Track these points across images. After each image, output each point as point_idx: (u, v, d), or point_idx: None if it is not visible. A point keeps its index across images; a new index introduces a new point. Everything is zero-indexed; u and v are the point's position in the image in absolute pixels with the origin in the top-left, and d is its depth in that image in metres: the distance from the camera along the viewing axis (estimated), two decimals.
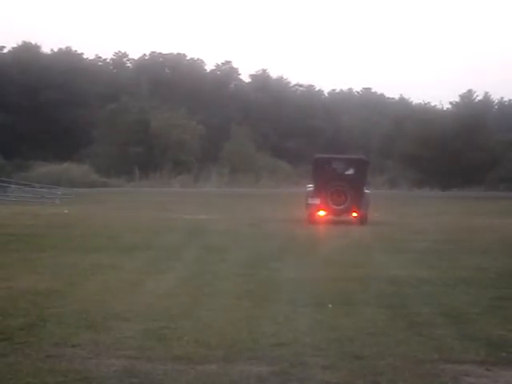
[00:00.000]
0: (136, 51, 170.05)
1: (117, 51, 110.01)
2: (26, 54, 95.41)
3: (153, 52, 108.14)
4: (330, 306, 10.44)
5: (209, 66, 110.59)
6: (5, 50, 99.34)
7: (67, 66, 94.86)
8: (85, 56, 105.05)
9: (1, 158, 70.45)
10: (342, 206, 28.43)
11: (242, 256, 16.22)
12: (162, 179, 67.68)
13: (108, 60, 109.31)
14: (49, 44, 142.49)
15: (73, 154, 76.48)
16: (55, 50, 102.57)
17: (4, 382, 6.86)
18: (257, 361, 7.71)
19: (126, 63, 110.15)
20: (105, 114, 79.88)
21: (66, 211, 31.32)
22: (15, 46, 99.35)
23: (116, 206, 35.54)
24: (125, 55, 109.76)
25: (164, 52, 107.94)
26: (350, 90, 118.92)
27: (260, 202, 41.31)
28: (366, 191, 29.05)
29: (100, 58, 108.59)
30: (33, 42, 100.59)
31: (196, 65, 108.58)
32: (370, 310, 10.17)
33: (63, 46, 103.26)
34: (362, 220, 27.99)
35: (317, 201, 28.30)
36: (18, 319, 9.33)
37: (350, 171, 29.05)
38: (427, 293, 11.65)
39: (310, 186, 29.35)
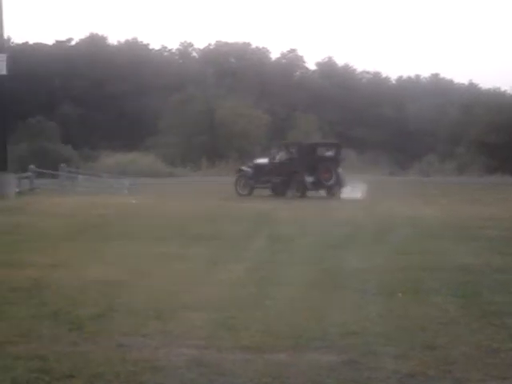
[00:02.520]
0: (202, 41, 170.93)
1: (182, 41, 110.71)
2: (93, 46, 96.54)
3: (218, 41, 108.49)
4: (400, 294, 10.31)
5: (274, 55, 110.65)
6: (73, 42, 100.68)
7: (133, 57, 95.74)
8: (151, 47, 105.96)
9: (70, 149, 71.45)
10: (330, 182, 35.71)
11: (308, 244, 16.14)
12: (228, 168, 67.91)
13: (174, 50, 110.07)
14: (115, 35, 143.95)
15: (139, 144, 77.19)
16: (122, 41, 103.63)
17: (76, 371, 6.91)
18: (326, 350, 7.64)
19: (191, 53, 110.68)
20: (171, 104, 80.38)
21: (133, 201, 31.57)
22: (83, 37, 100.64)
23: (182, 196, 35.72)
24: (190, 45, 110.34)
25: (229, 41, 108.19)
26: (418, 76, 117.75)
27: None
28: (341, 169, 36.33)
29: (166, 48, 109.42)
30: (100, 34, 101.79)
31: (261, 53, 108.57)
32: (442, 299, 10.01)
33: (129, 37, 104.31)
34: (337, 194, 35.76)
35: (310, 179, 35.27)
36: (88, 309, 9.41)
37: (330, 153, 37.01)
38: (501, 281, 11.43)
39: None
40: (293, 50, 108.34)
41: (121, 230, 19.29)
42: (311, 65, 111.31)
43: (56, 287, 10.90)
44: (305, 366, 7.14)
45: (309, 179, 35.15)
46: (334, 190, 35.91)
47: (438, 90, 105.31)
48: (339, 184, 35.94)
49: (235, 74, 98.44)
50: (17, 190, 35.52)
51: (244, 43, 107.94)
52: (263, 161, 39.04)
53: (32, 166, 40.05)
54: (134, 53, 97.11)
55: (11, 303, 9.76)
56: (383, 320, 8.89)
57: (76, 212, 25.12)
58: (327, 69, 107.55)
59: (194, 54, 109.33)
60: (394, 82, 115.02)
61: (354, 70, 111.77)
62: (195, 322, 8.79)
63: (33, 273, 12.08)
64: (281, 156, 37.67)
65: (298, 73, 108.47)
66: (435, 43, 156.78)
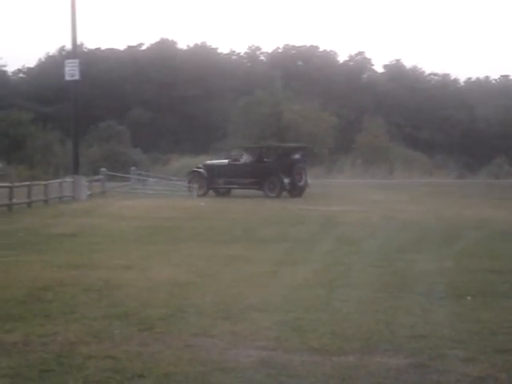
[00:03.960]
0: (269, 44, 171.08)
1: (250, 45, 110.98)
2: (163, 51, 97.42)
3: (286, 45, 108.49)
4: (469, 297, 10.21)
5: (342, 58, 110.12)
6: (143, 47, 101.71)
7: (202, 61, 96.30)
8: (219, 51, 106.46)
9: (139, 153, 72.19)
10: (301, 183, 38.64)
11: (376, 247, 16.08)
12: None
13: (242, 54, 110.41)
14: (185, 40, 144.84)
15: (207, 147, 77.61)
16: (191, 45, 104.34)
17: (146, 371, 7.00)
18: (394, 353, 7.61)
19: (259, 57, 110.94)
20: (238, 107, 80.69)
21: (202, 204, 31.79)
22: (153, 42, 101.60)
23: (248, 199, 35.80)
24: (258, 49, 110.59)
25: (297, 44, 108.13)
26: (487, 78, 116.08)
27: (394, 193, 40.82)
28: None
29: (234, 52, 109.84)
30: (170, 39, 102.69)
31: (329, 56, 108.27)
32: None
33: (198, 42, 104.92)
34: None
35: (287, 180, 37.81)
36: (158, 310, 9.52)
37: (298, 156, 39.56)
38: None
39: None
40: (360, 53, 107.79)
41: (189, 233, 19.46)
42: (379, 67, 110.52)
43: (126, 288, 11.06)
44: (373, 369, 7.12)
45: (286, 180, 37.81)
46: (302, 190, 38.84)
47: (507, 92, 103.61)
48: (306, 185, 39.07)
49: (303, 77, 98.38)
50: (88, 192, 36.06)
51: (311, 46, 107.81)
52: (217, 162, 41.21)
53: (103, 170, 40.67)
54: (203, 57, 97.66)
55: (83, 304, 9.93)
56: (452, 323, 8.82)
57: (146, 214, 25.42)
58: (395, 71, 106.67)
59: (262, 57, 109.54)
60: (462, 83, 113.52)
61: (422, 72, 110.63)
62: (263, 323, 8.83)
63: (104, 274, 12.28)
64: (246, 158, 39.68)
65: (365, 75, 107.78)
66: (505, 44, 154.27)
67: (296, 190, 38.30)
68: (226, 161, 40.88)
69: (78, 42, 43.57)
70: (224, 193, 39.42)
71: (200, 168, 40.69)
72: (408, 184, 52.17)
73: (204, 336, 8.28)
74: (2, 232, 19.46)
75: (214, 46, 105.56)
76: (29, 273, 12.38)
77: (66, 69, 36.09)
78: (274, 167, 38.28)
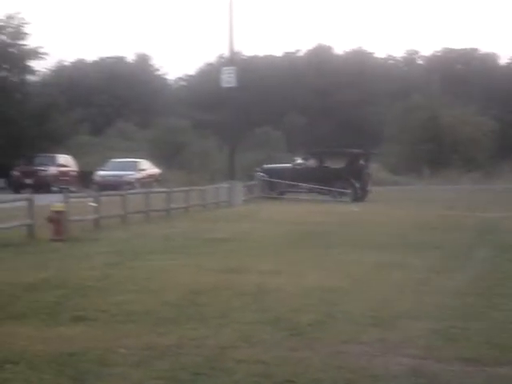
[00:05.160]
0: (427, 48, 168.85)
1: (408, 49, 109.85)
2: (319, 56, 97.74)
3: (445, 48, 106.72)
4: None
5: (503, 60, 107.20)
6: (300, 53, 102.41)
7: (358, 66, 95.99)
8: (376, 55, 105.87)
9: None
10: (368, 187, 40.69)
11: None
12: (452, 177, 66.46)
13: (399, 58, 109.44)
14: (341, 45, 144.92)
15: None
16: (347, 50, 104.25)
17: (295, 377, 7.01)
18: None
19: (416, 60, 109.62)
20: (395, 112, 79.92)
21: (355, 209, 31.66)
22: (310, 48, 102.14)
23: (404, 204, 35.38)
24: (415, 52, 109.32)
25: (456, 47, 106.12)
26: None
27: None
28: None
29: (391, 56, 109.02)
30: (326, 44, 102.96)
31: (489, 59, 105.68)
32: None
33: (355, 47, 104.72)
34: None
35: (358, 185, 39.39)
36: (308, 315, 9.54)
37: (363, 162, 41.57)
38: None
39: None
40: None
41: (342, 238, 19.41)
42: None
43: (277, 293, 11.13)
44: None
45: (357, 185, 39.34)
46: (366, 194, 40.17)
47: None
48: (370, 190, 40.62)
49: (461, 80, 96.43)
50: (244, 197, 36.56)
51: (471, 49, 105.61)
52: (278, 166, 41.98)
53: (259, 175, 41.20)
54: (359, 62, 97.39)
55: (236, 308, 10.06)
56: None
57: (298, 219, 25.53)
58: None
59: (420, 61, 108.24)
60: None
61: None
62: (414, 330, 8.70)
63: (256, 278, 12.40)
64: (311, 163, 41.11)
65: None
66: None
67: (364, 195, 39.63)
68: (289, 165, 41.92)
69: (236, 49, 44.41)
70: (277, 197, 39.57)
71: (260, 172, 41.65)
72: None
73: (353, 343, 8.23)
74: (160, 236, 19.98)
75: (370, 51, 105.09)
76: (184, 276, 12.65)
77: (223, 76, 36.80)
78: (345, 172, 39.59)
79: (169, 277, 12.64)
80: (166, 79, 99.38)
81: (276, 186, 40.12)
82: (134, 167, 44.14)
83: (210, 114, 77.79)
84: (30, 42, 55.58)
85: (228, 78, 36.47)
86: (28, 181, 43.44)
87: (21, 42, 55.25)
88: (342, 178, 39.37)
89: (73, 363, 7.30)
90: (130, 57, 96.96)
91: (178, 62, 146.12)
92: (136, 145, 62.28)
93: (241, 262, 14.51)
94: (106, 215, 23.32)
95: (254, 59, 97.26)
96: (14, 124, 52.36)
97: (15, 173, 45.24)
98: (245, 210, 31.33)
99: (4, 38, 55.08)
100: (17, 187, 42.78)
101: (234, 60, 38.86)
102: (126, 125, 73.16)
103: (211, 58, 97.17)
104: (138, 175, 43.42)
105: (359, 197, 39.25)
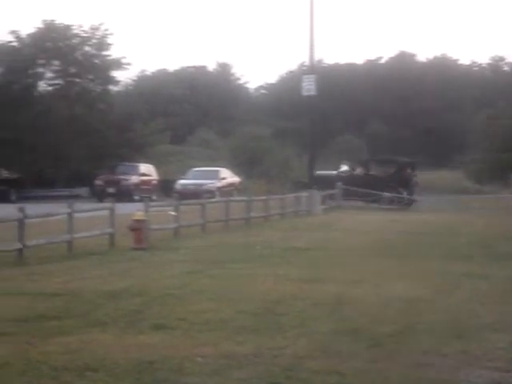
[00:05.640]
0: None
1: (493, 55, 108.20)
2: (402, 63, 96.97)
3: None
4: None
5: None
6: (382, 61, 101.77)
7: (441, 73, 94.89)
8: (460, 62, 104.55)
9: (377, 166, 72.20)
10: (415, 195, 41.41)
11: None
12: None
13: (484, 65, 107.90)
14: (424, 52, 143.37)
15: (445, 160, 76.29)
16: (430, 57, 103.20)
17: None
18: None
19: (502, 67, 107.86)
20: (480, 120, 78.75)
21: (431, 218, 31.31)
22: (392, 55, 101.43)
23: (486, 214, 34.75)
24: (502, 59, 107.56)
25: None
26: None
27: None
28: None
29: (475, 63, 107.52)
30: (408, 52, 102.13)
31: None
32: None
33: (438, 54, 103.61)
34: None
35: (405, 193, 40.18)
36: (388, 326, 9.40)
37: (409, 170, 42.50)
38: None
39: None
40: None
41: (422, 247, 19.16)
42: None
43: (357, 303, 11.01)
44: None
45: (404, 193, 40.12)
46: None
47: None
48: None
49: None
50: (324, 206, 36.41)
51: None
52: (325, 173, 41.71)
53: (339, 184, 41.00)
54: (442, 69, 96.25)
55: (314, 318, 9.98)
56: None
57: (378, 228, 25.31)
58: None
59: (506, 68, 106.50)
60: None
61: None
62: (497, 343, 8.50)
63: (335, 288, 12.30)
64: (358, 171, 41.80)
65: None
66: None
67: (410, 203, 40.08)
68: (334, 172, 42.32)
69: (318, 57, 44.44)
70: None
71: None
72: None
73: (435, 354, 8.07)
74: (239, 245, 20.03)
75: (454, 58, 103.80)
76: (262, 285, 12.63)
77: (304, 84, 36.78)
78: (393, 180, 40.27)
79: (247, 286, 12.63)
80: (247, 88, 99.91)
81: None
82: (214, 176, 44.41)
83: (290, 122, 77.86)
84: (113, 53, 56.57)
85: (308, 86, 36.43)
86: (111, 190, 44.06)
87: (104, 53, 56.24)
88: (389, 186, 39.59)
89: (151, 371, 7.33)
90: (212, 66, 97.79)
91: (259, 70, 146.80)
92: (217, 153, 62.66)
93: (320, 272, 14.43)
94: (185, 224, 23.47)
95: (335, 67, 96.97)
96: (97, 133, 53.28)
97: (98, 182, 45.97)
98: (324, 218, 31.19)
99: (88, 49, 56.13)
100: (100, 196, 43.42)
101: (314, 68, 38.83)
102: (206, 133, 73.70)
103: (292, 66, 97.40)
104: (219, 184, 43.67)
105: (407, 205, 39.67)
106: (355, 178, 40.50)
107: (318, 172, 42.66)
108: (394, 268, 15.07)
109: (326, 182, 39.72)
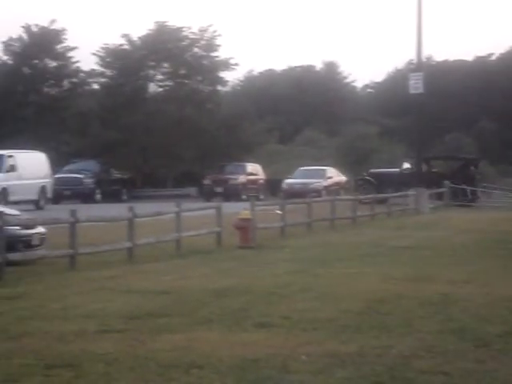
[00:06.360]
0: None
1: None
2: None
3: None
4: None
5: None
6: (493, 57, 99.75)
7: None
8: None
9: (486, 164, 70.88)
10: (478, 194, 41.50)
11: None
12: None
13: None
14: None
15: None
16: None
17: None
18: None
19: None
20: None
21: None
22: (503, 52, 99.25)
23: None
24: None
25: None
26: None
27: None
28: None
29: None
30: None
31: None
32: None
33: None
34: None
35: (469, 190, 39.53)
36: (496, 326, 9.25)
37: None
38: None
39: None
40: None
41: None
42: None
43: (463, 303, 10.85)
44: None
45: (468, 190, 39.64)
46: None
47: None
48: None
49: None
50: (431, 205, 35.99)
51: None
52: (386, 171, 41.75)
53: (447, 182, 40.50)
54: None
55: (419, 317, 9.88)
56: None
57: (486, 227, 24.81)
58: None
59: None
60: None
61: None
62: None
63: (441, 288, 12.16)
64: (423, 168, 40.20)
65: None
66: None
67: (474, 200, 39.87)
68: (397, 169, 41.49)
69: (426, 54, 43.91)
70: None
71: (367, 176, 41.54)
72: None
73: None
74: (345, 244, 20.01)
75: None
76: (368, 284, 12.59)
77: (411, 82, 36.41)
78: (457, 177, 39.73)
79: (352, 285, 12.60)
80: (353, 87, 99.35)
81: (382, 191, 38.16)
82: (321, 175, 44.45)
83: (397, 121, 77.09)
84: (221, 54, 57.20)
85: (415, 85, 36.04)
86: (219, 189, 44.61)
87: (213, 54, 56.93)
88: (453, 183, 38.93)
89: (255, 369, 7.38)
90: (319, 65, 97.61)
91: (366, 68, 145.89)
92: (323, 152, 62.59)
93: (427, 271, 14.29)
94: (291, 223, 23.54)
95: (444, 64, 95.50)
96: (206, 133, 53.97)
97: (207, 181, 46.60)
98: (432, 217, 30.84)
99: (197, 50, 56.92)
100: (208, 196, 43.98)
101: (421, 65, 38.39)
102: (313, 133, 73.68)
103: (400, 63, 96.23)
104: (325, 183, 43.69)
105: (471, 201, 39.39)
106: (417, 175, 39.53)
107: (380, 170, 42.58)
108: (504, 267, 14.79)
109: (387, 180, 39.39)
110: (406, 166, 42.13)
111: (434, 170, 41.49)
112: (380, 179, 40.19)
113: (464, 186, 39.11)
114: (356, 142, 64.52)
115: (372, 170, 43.51)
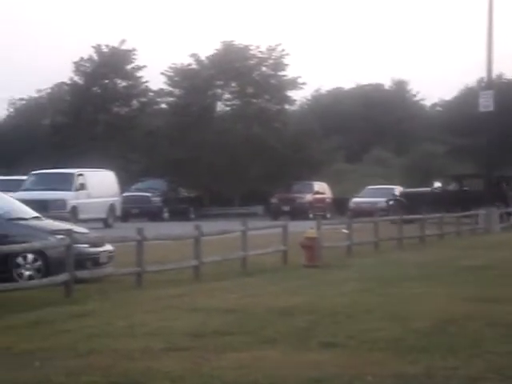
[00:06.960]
0: None
1: None
2: None
3: None
4: None
5: None
6: None
7: None
8: None
9: None
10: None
11: None
12: None
13: None
14: None
15: None
16: None
17: None
18: None
19: None
20: None
21: None
22: None
23: None
24: None
25: None
26: None
27: None
28: None
29: None
30: None
31: None
32: None
33: None
34: None
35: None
36: None
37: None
38: None
39: None
40: None
41: None
42: None
43: None
44: None
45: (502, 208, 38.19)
46: None
47: None
48: None
49: None
50: (502, 225, 35.46)
51: None
52: (417, 190, 41.65)
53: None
54: None
55: (489, 338, 9.68)
56: None
57: None
58: None
59: None
60: None
61: None
62: None
63: None
64: (454, 187, 41.20)
65: None
66: None
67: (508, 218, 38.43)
68: (428, 189, 41.01)
69: (497, 72, 43.36)
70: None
71: (398, 196, 41.27)
72: None
73: None
74: (412, 263, 19.79)
75: None
76: (435, 305, 12.40)
77: (481, 100, 35.96)
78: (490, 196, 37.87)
79: (419, 305, 12.44)
80: (422, 105, 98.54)
81: (413, 212, 37.75)
82: (388, 194, 44.15)
83: (466, 140, 76.22)
84: (289, 73, 57.32)
85: (485, 103, 35.57)
86: (286, 208, 44.67)
87: (281, 73, 57.10)
88: (485, 201, 37.09)
89: None
90: (387, 83, 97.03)
91: (436, 86, 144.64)
92: (391, 171, 62.19)
93: (498, 291, 14.03)
94: (358, 242, 23.42)
95: None
96: (273, 152, 54.09)
97: (274, 200, 46.67)
98: (503, 237, 30.34)
99: (265, 69, 57.17)
100: (275, 214, 44.03)
101: (492, 83, 37.90)
102: (382, 151, 73.29)
103: (470, 82, 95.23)
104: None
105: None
106: (448, 195, 39.45)
107: (411, 190, 42.10)
108: None
109: (418, 200, 38.68)
110: (437, 185, 41.72)
111: (465, 189, 40.76)
112: (411, 199, 39.71)
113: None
114: (423, 160, 63.99)
115: (403, 190, 43.17)
